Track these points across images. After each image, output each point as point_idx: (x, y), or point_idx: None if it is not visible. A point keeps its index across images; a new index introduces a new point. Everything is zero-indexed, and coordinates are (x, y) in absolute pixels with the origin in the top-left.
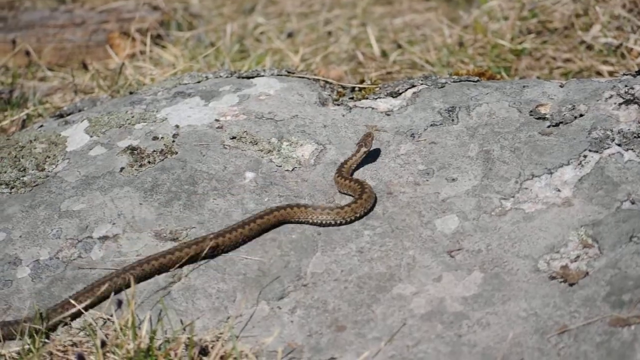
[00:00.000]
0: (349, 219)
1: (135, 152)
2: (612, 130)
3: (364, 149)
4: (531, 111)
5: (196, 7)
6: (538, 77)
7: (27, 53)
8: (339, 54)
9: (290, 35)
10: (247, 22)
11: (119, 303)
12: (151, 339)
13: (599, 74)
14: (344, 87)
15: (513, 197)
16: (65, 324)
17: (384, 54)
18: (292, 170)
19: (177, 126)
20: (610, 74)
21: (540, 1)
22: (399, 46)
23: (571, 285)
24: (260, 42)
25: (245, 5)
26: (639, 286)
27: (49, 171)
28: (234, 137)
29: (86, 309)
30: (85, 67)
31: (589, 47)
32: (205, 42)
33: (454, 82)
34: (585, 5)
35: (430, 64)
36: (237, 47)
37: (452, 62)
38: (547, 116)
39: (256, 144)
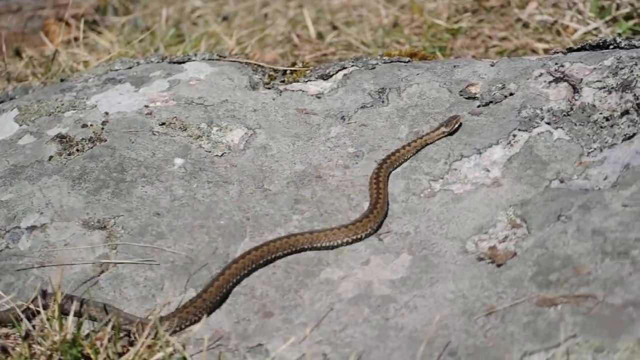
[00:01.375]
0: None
1: (64, 140)
2: (541, 109)
3: (443, 129)
4: (461, 91)
5: None
6: (474, 57)
7: None
8: (275, 37)
9: (225, 18)
10: (184, 6)
11: (44, 294)
12: (77, 329)
13: (534, 51)
14: (275, 71)
15: (442, 178)
16: None
17: (320, 35)
18: (222, 155)
19: (106, 113)
20: (546, 51)
21: None
22: (335, 27)
23: (499, 266)
24: (197, 26)
25: None
26: (566, 265)
27: None
28: (163, 123)
29: None
30: (18, 54)
31: (525, 25)
32: (141, 27)
33: (384, 63)
34: None
35: (365, 45)
36: (174, 32)
37: (388, 43)
38: (477, 96)
39: (185, 129)
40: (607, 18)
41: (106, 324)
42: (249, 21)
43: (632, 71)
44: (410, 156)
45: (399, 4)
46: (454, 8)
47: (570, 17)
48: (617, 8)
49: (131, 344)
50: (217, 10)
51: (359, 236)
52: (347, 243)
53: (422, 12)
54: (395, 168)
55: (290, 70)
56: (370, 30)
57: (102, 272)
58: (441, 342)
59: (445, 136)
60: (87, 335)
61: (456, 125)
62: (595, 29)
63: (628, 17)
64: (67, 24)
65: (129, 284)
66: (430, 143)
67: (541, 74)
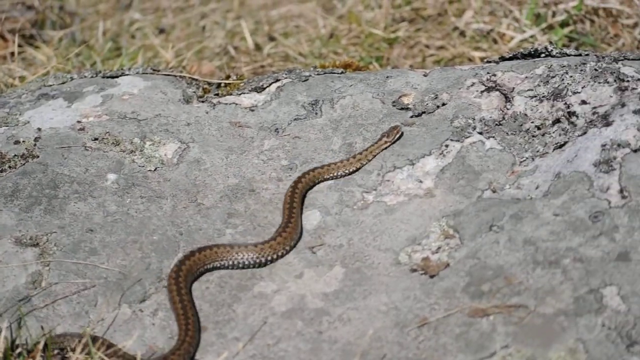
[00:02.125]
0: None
1: None
2: (473, 119)
3: (385, 139)
4: (394, 102)
5: (72, 5)
6: (411, 66)
7: None
8: (213, 49)
9: (162, 31)
10: (123, 19)
11: None
12: (10, 347)
13: (470, 60)
14: (209, 84)
15: (375, 189)
16: None
17: (258, 47)
18: (155, 170)
19: (39, 129)
20: (482, 60)
21: None
22: (272, 39)
23: (432, 277)
24: (135, 39)
25: (122, 2)
26: (498, 276)
27: None
28: (96, 139)
29: None
30: None
31: (462, 34)
32: (78, 41)
33: (318, 74)
34: None
35: (303, 55)
36: (112, 45)
37: (325, 53)
38: (410, 106)
39: (118, 144)
40: (543, 25)
41: (38, 342)
42: (187, 33)
43: (562, 79)
44: (353, 170)
45: (337, 14)
46: (391, 17)
47: (507, 25)
48: (553, 15)
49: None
50: (155, 23)
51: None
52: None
53: (359, 21)
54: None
55: (224, 83)
56: (308, 41)
57: (35, 289)
58: (375, 354)
59: (387, 147)
60: (20, 354)
61: (397, 135)
62: (532, 36)
63: (564, 24)
64: (4, 38)
65: (62, 301)
66: (375, 155)
67: (473, 84)
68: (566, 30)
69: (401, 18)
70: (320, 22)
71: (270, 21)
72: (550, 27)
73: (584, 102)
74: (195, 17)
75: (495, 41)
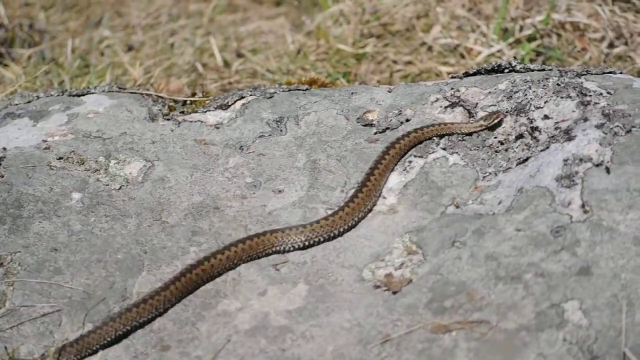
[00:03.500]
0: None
1: None
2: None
3: (482, 122)
4: (358, 118)
5: (42, 22)
6: (378, 81)
7: None
8: (181, 66)
9: (131, 48)
10: (92, 36)
11: None
12: None
13: (438, 75)
14: (175, 101)
15: (339, 206)
16: None
17: (227, 63)
18: (120, 188)
19: (4, 149)
20: (450, 75)
21: (380, 4)
22: (240, 55)
23: (394, 293)
24: (104, 56)
25: (92, 19)
26: (461, 292)
27: None
28: (61, 158)
29: None
30: None
31: (430, 49)
32: (47, 59)
33: (283, 91)
34: (426, 6)
35: (271, 72)
36: (81, 63)
37: (293, 70)
38: (374, 123)
39: (83, 163)
40: (511, 40)
41: None
42: (156, 50)
43: (525, 95)
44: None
45: (306, 30)
46: (359, 33)
47: (474, 40)
48: (521, 30)
49: None
50: (125, 40)
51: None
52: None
53: (328, 37)
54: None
55: (190, 100)
56: (276, 57)
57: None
58: None
59: (482, 129)
60: None
61: (496, 121)
62: (499, 51)
63: (531, 38)
64: None
65: (26, 321)
66: (463, 133)
67: (437, 99)
68: (533, 44)
69: (369, 33)
70: (288, 38)
71: (239, 37)
72: (518, 42)
73: (546, 117)
74: (165, 34)
75: (462, 56)
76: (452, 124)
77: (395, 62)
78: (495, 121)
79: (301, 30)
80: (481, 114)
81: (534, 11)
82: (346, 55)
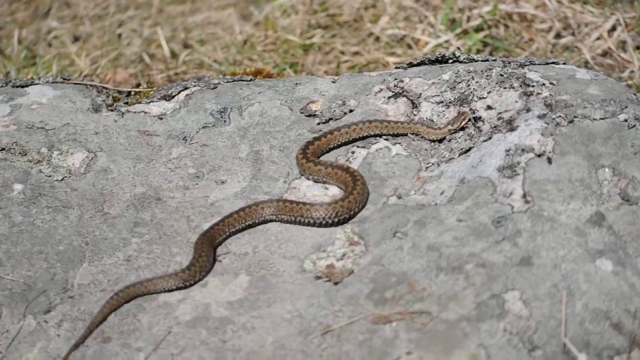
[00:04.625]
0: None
1: None
2: None
3: (449, 127)
4: (302, 109)
5: None
6: (325, 72)
7: None
8: (129, 57)
9: (77, 39)
10: (40, 27)
11: None
12: None
13: (385, 66)
14: (119, 92)
15: (282, 197)
16: None
17: (174, 54)
18: (62, 179)
19: None
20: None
21: None
22: (187, 46)
23: (336, 284)
24: (52, 47)
25: (40, 10)
26: (402, 282)
27: None
28: (3, 149)
29: None
30: None
31: (377, 39)
32: None
33: (227, 82)
34: None
35: (218, 63)
36: (28, 54)
37: (240, 60)
38: (317, 113)
39: (25, 154)
40: (458, 31)
41: None
42: (103, 41)
43: (469, 85)
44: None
45: (254, 20)
46: (307, 23)
47: (422, 30)
48: (468, 20)
49: None
50: (73, 30)
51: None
52: None
53: (275, 28)
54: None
55: (134, 91)
56: (224, 47)
57: None
58: None
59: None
60: None
61: (463, 123)
62: (446, 41)
63: (478, 29)
64: None
65: None
66: (431, 139)
67: (381, 90)
68: (481, 35)
69: (317, 24)
70: (236, 29)
71: (188, 28)
72: (465, 32)
73: (489, 108)
74: (113, 24)
75: (410, 47)
76: (422, 126)
77: (342, 52)
78: (463, 123)
79: (249, 20)
80: (448, 116)
81: (482, 2)
82: (294, 45)
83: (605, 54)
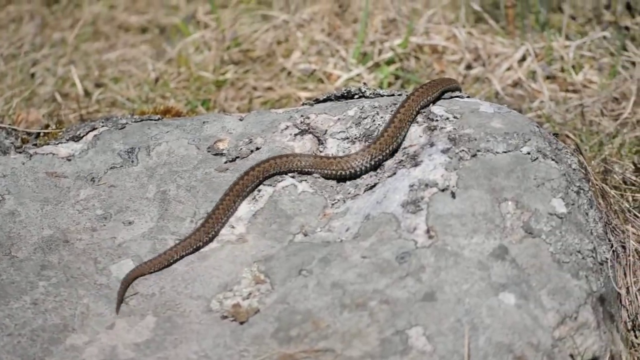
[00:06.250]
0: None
1: None
2: None
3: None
4: (209, 147)
5: None
6: (238, 108)
7: None
8: (42, 96)
9: None
10: None
11: None
12: None
13: (297, 101)
14: (29, 134)
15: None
16: None
17: (87, 93)
18: None
19: None
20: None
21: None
22: (99, 85)
23: (242, 323)
24: None
25: None
26: (306, 320)
27: None
28: None
29: None
30: None
31: (290, 74)
32: None
33: (135, 122)
34: (286, 31)
35: (131, 100)
36: None
37: (153, 98)
38: (224, 152)
39: None
40: (370, 64)
41: None
42: (16, 81)
43: (374, 120)
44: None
45: (168, 57)
46: (220, 59)
47: (334, 64)
48: (379, 53)
49: None
50: None
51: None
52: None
53: (189, 64)
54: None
55: (43, 132)
56: (137, 85)
57: None
58: None
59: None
60: None
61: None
62: (358, 75)
63: (390, 62)
64: None
65: None
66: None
67: (287, 127)
68: (392, 67)
69: (230, 60)
70: (149, 66)
71: (102, 66)
72: (377, 65)
73: None
74: (27, 64)
75: (322, 81)
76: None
77: (255, 88)
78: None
79: (163, 57)
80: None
81: (393, 34)
82: (207, 82)
83: (515, 84)
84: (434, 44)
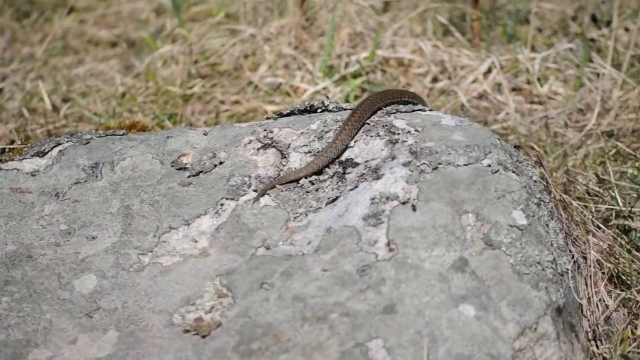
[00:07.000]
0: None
1: None
2: (249, 176)
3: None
4: (173, 162)
5: None
6: (205, 122)
7: None
8: (11, 111)
9: None
10: None
11: None
12: None
13: (263, 114)
14: None
15: (151, 251)
16: None
17: (55, 108)
18: None
19: None
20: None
21: (209, 44)
22: (66, 100)
23: (204, 337)
24: None
25: None
26: (267, 333)
27: None
28: None
29: None
30: None
31: (256, 88)
32: None
33: (99, 137)
34: (254, 45)
35: (98, 115)
36: None
37: (121, 112)
38: (187, 166)
39: None
40: (336, 77)
41: None
42: None
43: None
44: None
45: (135, 71)
46: (187, 73)
47: (300, 77)
48: (346, 66)
49: None
50: None
51: None
52: None
53: (156, 79)
54: None
55: (9, 148)
56: (105, 99)
57: None
58: None
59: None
60: None
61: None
62: (324, 88)
63: (356, 75)
64: None
65: None
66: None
67: (250, 141)
68: (359, 81)
69: (198, 74)
70: (117, 81)
71: (71, 80)
72: (344, 78)
73: (356, 156)
74: None
75: (288, 94)
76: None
77: (222, 102)
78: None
79: (131, 72)
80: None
81: (360, 48)
82: (174, 96)
83: (481, 96)
84: (400, 57)
